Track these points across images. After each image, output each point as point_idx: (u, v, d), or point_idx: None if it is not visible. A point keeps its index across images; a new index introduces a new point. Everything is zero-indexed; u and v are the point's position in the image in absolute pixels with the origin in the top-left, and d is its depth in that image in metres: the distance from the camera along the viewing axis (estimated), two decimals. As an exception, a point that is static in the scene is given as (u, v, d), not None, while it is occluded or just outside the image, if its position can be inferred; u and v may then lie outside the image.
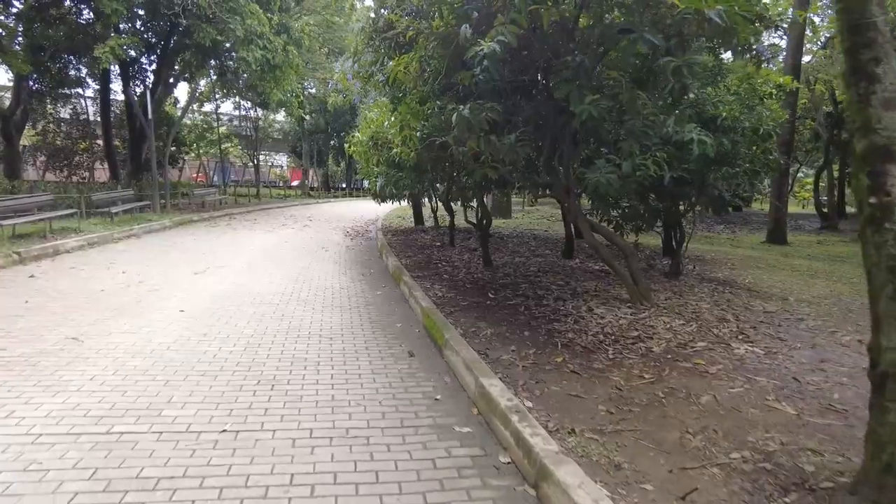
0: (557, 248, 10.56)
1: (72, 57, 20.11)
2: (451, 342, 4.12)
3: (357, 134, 7.68)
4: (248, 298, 6.10)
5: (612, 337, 4.42)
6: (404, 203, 13.89)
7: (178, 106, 41.09)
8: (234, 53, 16.01)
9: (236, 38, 15.00)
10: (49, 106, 26.01)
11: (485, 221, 7.65)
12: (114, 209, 12.89)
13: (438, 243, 11.10)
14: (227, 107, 39.15)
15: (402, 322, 5.31)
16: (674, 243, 7.32)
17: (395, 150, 4.86)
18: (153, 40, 18.80)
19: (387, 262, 8.84)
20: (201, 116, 39.13)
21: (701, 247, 11.78)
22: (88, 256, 8.71)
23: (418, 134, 4.72)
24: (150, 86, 18.84)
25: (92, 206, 12.94)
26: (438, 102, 4.44)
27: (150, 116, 15.45)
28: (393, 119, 5.45)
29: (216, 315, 5.32)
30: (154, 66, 19.49)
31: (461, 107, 3.71)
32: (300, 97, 21.94)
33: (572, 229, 9.11)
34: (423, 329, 5.03)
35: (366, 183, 49.88)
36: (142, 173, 19.33)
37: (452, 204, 10.44)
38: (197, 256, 9.05)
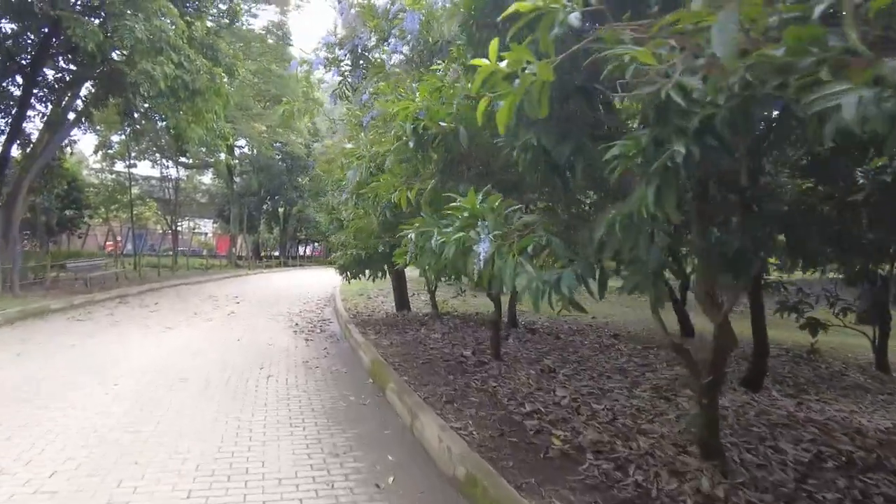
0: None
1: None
2: None
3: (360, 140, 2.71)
4: None
5: None
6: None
7: (87, 163, 34.87)
8: (138, 72, 11.05)
9: (136, 40, 10.21)
10: None
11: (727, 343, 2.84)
12: None
13: (469, 351, 6.37)
14: (145, 167, 33.50)
15: None
16: None
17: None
18: (22, 60, 13.56)
19: (412, 425, 3.98)
20: (112, 176, 33.13)
21: (798, 336, 7.41)
22: None
23: None
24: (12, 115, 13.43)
25: None
26: None
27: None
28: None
29: None
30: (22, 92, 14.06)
31: None
32: (228, 139, 17.01)
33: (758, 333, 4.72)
34: None
35: (303, 249, 44.32)
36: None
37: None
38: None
